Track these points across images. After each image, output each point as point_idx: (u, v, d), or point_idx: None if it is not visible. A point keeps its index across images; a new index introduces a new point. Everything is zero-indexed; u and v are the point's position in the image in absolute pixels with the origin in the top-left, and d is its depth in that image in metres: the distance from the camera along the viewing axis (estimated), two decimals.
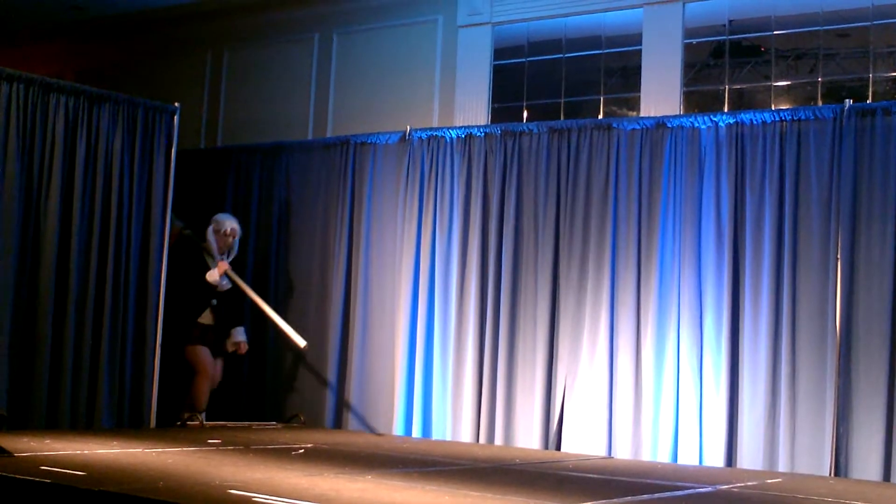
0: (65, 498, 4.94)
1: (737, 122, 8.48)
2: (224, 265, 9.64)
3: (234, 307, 9.87)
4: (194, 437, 8.05)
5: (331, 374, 9.97)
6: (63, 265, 8.74)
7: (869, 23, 8.65)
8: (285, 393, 10.30)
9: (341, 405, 9.89)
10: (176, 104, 9.55)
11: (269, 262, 10.56)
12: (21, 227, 8.52)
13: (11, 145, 8.47)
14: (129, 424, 9.00)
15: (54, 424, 8.54)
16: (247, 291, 9.82)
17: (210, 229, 9.73)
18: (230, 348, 9.76)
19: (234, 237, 9.77)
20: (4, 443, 6.38)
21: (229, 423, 9.58)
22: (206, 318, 9.61)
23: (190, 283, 9.57)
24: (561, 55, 9.91)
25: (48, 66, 12.55)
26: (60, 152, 8.75)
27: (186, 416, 9.36)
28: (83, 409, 8.77)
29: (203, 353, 9.54)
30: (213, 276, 9.57)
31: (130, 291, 9.11)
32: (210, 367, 9.56)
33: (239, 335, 9.83)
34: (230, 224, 9.75)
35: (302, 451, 7.40)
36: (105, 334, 8.92)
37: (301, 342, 9.60)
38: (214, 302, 9.66)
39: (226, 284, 9.69)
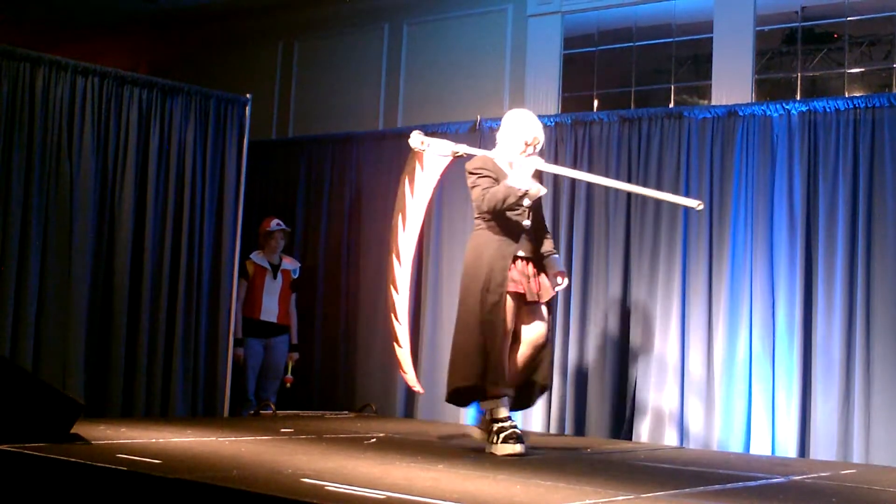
0: (140, 485, 5.00)
1: (809, 110, 8.37)
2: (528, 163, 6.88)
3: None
4: (267, 426, 8.11)
5: None
6: (137, 256, 8.85)
7: None
8: (357, 382, 10.35)
9: (413, 394, 9.90)
10: (248, 95, 9.61)
11: (340, 252, 10.60)
12: (97, 218, 8.64)
13: (87, 138, 8.59)
14: (202, 413, 9.10)
15: (130, 413, 8.66)
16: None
17: (499, 135, 7.14)
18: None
19: (534, 146, 6.98)
20: (81, 431, 6.46)
21: (302, 412, 9.64)
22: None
23: None
24: (631, 44, 9.86)
25: (121, 59, 12.67)
26: (134, 144, 8.86)
27: None
28: (158, 398, 8.88)
29: None
30: (514, 180, 6.76)
31: (204, 281, 9.20)
32: None
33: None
34: (532, 130, 6.98)
35: (374, 440, 7.44)
36: (179, 324, 9.02)
37: (693, 203, 6.69)
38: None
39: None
